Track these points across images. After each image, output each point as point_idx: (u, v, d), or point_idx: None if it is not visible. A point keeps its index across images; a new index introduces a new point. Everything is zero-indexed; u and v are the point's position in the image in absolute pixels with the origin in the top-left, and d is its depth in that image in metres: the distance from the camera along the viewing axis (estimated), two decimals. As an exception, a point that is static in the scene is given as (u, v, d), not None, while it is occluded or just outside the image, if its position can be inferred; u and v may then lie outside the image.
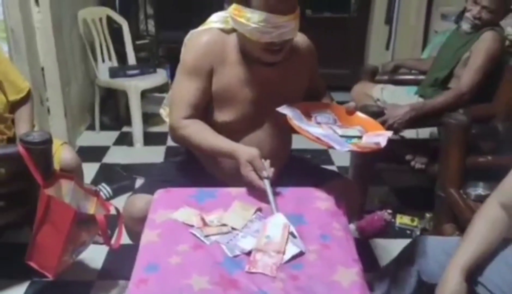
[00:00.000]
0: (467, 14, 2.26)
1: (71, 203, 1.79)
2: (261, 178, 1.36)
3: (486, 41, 2.20)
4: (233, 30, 1.49)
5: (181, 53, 1.58)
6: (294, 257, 1.17)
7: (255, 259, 1.16)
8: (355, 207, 1.68)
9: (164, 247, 1.19)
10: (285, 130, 1.55)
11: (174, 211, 1.33)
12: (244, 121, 1.52)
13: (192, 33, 1.58)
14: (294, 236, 1.23)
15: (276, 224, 1.26)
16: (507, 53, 2.32)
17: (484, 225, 1.24)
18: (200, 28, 1.56)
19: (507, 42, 2.36)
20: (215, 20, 1.53)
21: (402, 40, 4.24)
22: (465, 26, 2.30)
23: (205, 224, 1.29)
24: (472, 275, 1.22)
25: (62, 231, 1.68)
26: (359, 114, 1.58)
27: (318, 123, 1.48)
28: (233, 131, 1.51)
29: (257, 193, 1.41)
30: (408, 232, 2.37)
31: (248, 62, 1.49)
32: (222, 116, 1.52)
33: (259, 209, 1.35)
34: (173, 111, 1.52)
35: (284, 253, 1.18)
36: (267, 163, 1.38)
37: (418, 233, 2.09)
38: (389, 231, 2.38)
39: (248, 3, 1.37)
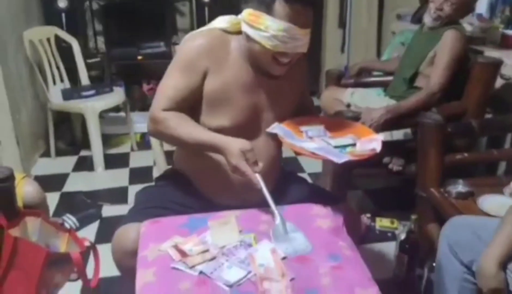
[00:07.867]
0: (430, 5, 2.28)
1: (39, 242, 1.63)
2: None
3: (449, 40, 2.22)
4: (237, 33, 1.42)
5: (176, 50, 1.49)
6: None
7: (265, 288, 1.07)
8: (356, 236, 1.57)
9: (164, 287, 1.07)
10: (278, 142, 1.49)
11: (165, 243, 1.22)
12: (239, 128, 1.42)
13: (192, 33, 1.49)
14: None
15: (263, 251, 1.20)
16: (470, 50, 2.35)
17: None
18: (203, 28, 1.49)
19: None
20: (219, 21, 1.46)
21: (356, 43, 4.31)
22: (427, 19, 2.32)
23: (183, 254, 1.18)
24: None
25: (33, 276, 1.51)
26: (347, 121, 1.56)
27: (310, 138, 1.45)
28: None
29: (248, 216, 1.33)
30: (389, 234, 2.35)
31: (248, 67, 1.42)
32: (216, 120, 1.42)
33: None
34: (155, 102, 1.41)
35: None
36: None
37: (402, 236, 2.07)
38: (370, 235, 2.35)
39: (270, 10, 1.30)
